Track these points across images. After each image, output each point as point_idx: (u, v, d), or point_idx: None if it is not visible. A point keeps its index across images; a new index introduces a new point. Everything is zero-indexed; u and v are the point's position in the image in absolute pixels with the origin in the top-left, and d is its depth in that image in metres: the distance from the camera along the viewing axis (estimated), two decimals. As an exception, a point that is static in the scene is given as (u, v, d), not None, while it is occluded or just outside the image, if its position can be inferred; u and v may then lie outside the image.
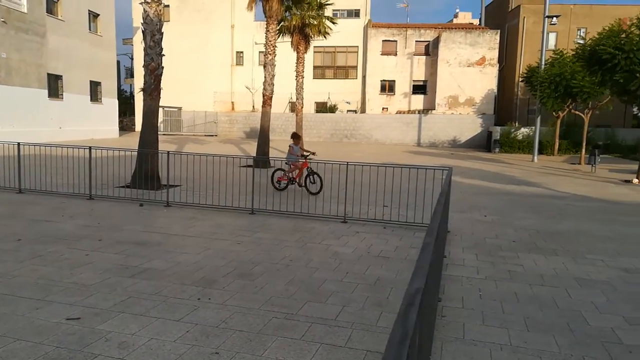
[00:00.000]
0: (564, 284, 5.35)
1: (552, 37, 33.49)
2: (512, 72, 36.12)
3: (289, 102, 36.25)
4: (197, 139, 32.02)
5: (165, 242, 6.56)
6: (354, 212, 8.82)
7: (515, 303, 4.72)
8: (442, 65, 35.09)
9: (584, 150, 23.49)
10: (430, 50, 36.45)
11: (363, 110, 37.77)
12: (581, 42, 18.77)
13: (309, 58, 32.69)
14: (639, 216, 9.96)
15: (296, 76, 21.49)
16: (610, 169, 20.36)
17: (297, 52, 21.63)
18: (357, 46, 38.07)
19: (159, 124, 12.69)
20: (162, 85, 11.48)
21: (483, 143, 33.83)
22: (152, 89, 11.16)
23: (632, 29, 15.04)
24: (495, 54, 34.72)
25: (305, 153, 11.34)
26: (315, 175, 10.82)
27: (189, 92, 37.92)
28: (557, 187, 14.34)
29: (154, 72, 11.15)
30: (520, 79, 31.44)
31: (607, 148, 28.93)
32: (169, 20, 36.49)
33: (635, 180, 15.88)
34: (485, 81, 34.85)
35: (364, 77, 37.84)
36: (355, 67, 38.48)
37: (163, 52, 11.38)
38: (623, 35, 14.91)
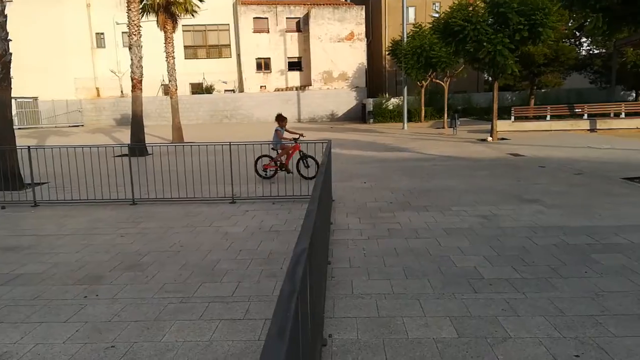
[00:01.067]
0: (434, 235, 6.00)
1: (411, 11, 35.82)
2: (379, 45, 38.07)
3: (162, 84, 34.53)
4: (60, 131, 29.21)
5: (38, 244, 6.05)
6: (242, 191, 8.86)
7: (395, 257, 5.20)
8: (314, 41, 35.80)
9: (446, 115, 25.79)
10: (302, 27, 36.94)
11: (241, 90, 37.33)
12: (436, 15, 20.38)
13: (179, 38, 31.31)
14: (492, 169, 11.33)
15: (166, 57, 20.49)
16: (469, 130, 22.68)
17: (165, 32, 20.58)
18: (228, 24, 37.26)
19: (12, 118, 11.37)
20: (12, 74, 10.29)
21: (359, 115, 35.49)
22: (1, 78, 9.96)
23: (478, 3, 16.73)
24: (362, 29, 36.26)
25: (294, 136, 10.39)
26: (309, 159, 10.13)
27: (45, 80, 34.25)
28: (426, 150, 15.67)
29: (1, 60, 9.94)
30: (387, 52, 33.32)
31: (465, 111, 32.06)
32: (11, 0, 32.31)
33: (489, 139, 17.93)
34: (356, 56, 36.35)
35: (238, 55, 37.27)
36: (229, 46, 37.70)
37: (9, 37, 10.17)
38: (470, 9, 16.53)
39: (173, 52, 20.64)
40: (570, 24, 28.32)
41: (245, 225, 6.76)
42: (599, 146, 14.99)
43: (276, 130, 10.39)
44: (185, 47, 36.71)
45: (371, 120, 32.20)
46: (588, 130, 20.90)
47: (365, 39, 36.91)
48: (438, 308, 3.88)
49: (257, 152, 9.88)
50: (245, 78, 36.98)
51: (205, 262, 5.18)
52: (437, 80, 27.42)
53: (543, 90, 33.75)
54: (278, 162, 10.37)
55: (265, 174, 10.37)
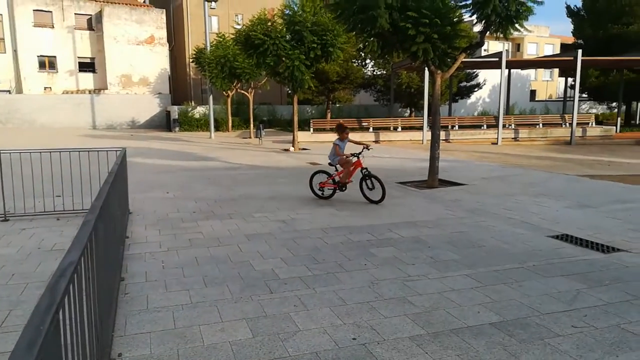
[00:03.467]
0: (236, 241, 6.11)
1: (214, 20, 35.91)
2: (182, 52, 37.17)
3: None
4: None
5: None
6: (18, 207, 7.69)
7: (195, 266, 5.14)
8: (109, 42, 33.19)
9: (252, 125, 26.47)
10: (95, 25, 33.90)
11: (20, 91, 32.39)
12: (238, 27, 20.84)
13: None
14: (293, 177, 12.04)
15: None
16: (274, 140, 23.69)
17: None
18: (1, 14, 32.04)
19: None
20: None
21: (163, 123, 34.03)
22: None
23: (276, 19, 17.65)
24: (163, 33, 34.96)
25: (357, 149, 8.75)
26: (373, 179, 8.51)
27: None
28: (232, 159, 15.85)
29: None
30: (190, 60, 32.74)
31: (270, 122, 33.41)
32: None
33: (292, 149, 19.01)
34: (158, 60, 34.85)
35: (15, 51, 32.28)
36: (2, 40, 32.40)
37: None
38: (270, 24, 17.34)
39: None
40: (359, 47, 31.93)
41: (20, 245, 5.89)
42: (382, 155, 17.18)
43: (334, 145, 8.82)
44: (-59, 36, 30.39)
45: (177, 129, 31.19)
46: (374, 141, 23.76)
47: (168, 44, 35.66)
48: (235, 312, 3.97)
49: (38, 161, 8.63)
50: (24, 77, 32.24)
51: (-35, 293, 4.36)
52: (242, 91, 28.00)
53: (338, 105, 37.20)
54: (337, 180, 8.86)
55: (322, 193, 8.99)
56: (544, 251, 5.69)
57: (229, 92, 28.62)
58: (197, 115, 32.25)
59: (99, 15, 33.47)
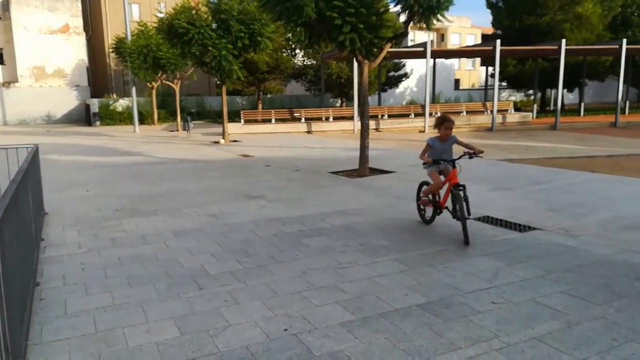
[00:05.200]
0: (163, 239, 5.88)
1: (135, 8, 34.19)
2: (101, 42, 35.14)
3: None
4: None
5: None
6: None
7: (118, 267, 4.89)
8: (18, 30, 30.71)
9: (179, 117, 25.60)
10: (1, 14, 31.19)
11: None
12: (161, 15, 19.97)
13: None
14: (223, 170, 11.79)
15: None
16: (203, 133, 23.06)
17: None
18: None
19: None
20: None
21: (82, 117, 32.12)
22: None
23: (201, 7, 17.10)
24: (79, 21, 32.86)
25: (467, 151, 5.84)
26: (465, 204, 5.62)
27: None
28: (158, 153, 15.26)
29: None
30: (110, 50, 31.04)
31: (200, 114, 32.50)
32: None
33: (222, 141, 18.61)
34: (74, 51, 32.74)
35: None
36: None
37: None
38: (194, 12, 16.77)
39: None
40: (288, 37, 31.71)
41: None
42: (314, 146, 17.26)
43: (427, 144, 6.02)
44: None
45: (97, 123, 29.54)
46: (306, 132, 23.82)
47: (84, 33, 33.58)
48: (162, 311, 3.82)
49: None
50: None
51: None
52: (168, 82, 26.98)
53: (269, 96, 36.86)
54: (437, 197, 6.13)
55: (424, 211, 6.50)
56: (467, 233, 5.96)
57: (153, 83, 27.46)
58: (119, 109, 30.70)
59: (6, 3, 30.82)
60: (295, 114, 25.32)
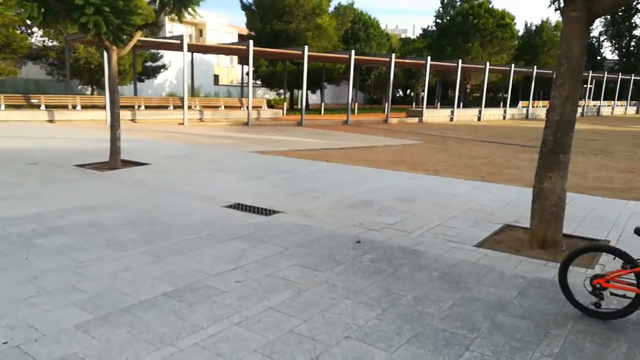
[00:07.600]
0: None
1: None
2: None
3: None
4: None
5: None
6: None
7: None
8: None
9: None
10: None
11: None
12: None
13: None
14: None
15: None
16: None
17: None
18: None
19: None
20: None
21: None
22: None
23: None
24: None
25: None
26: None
27: None
28: None
29: None
30: None
31: None
32: None
33: None
34: None
35: None
36: None
37: None
38: None
39: None
40: (20, 12, 27.03)
41: None
42: (57, 136, 15.29)
43: None
44: None
45: None
46: (47, 121, 20.85)
47: None
48: None
49: None
50: None
51: None
52: None
53: (-1, 78, 30.93)
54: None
55: (599, 301, 3.66)
56: (218, 220, 6.20)
57: None
58: None
59: None
60: (32, 100, 21.96)
